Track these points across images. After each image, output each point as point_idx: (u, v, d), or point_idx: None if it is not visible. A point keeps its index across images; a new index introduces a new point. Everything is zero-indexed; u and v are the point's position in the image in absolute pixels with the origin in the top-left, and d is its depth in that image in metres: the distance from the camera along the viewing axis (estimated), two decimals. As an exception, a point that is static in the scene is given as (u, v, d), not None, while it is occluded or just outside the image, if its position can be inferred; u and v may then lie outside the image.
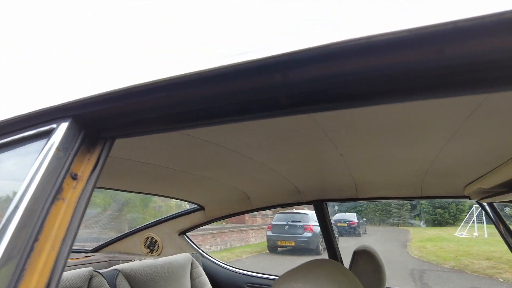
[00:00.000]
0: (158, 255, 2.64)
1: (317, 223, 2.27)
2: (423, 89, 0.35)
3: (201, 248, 2.67)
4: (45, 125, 0.55)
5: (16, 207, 0.47)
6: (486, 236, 14.22)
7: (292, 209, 12.67)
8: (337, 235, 13.31)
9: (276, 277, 0.90)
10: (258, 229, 15.30)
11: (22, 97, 0.63)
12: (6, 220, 0.46)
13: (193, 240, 2.67)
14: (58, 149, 0.50)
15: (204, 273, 2.37)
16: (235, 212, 2.38)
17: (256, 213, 17.52)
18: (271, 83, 0.39)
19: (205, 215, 2.45)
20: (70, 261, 2.23)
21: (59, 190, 0.48)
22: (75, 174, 0.51)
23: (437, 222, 21.45)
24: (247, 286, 2.39)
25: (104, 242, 2.86)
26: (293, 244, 11.51)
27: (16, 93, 0.69)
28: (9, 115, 0.62)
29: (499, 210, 1.91)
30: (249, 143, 1.18)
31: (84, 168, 0.53)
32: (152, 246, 2.71)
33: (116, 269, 1.82)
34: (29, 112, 0.59)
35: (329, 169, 1.62)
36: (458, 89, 0.34)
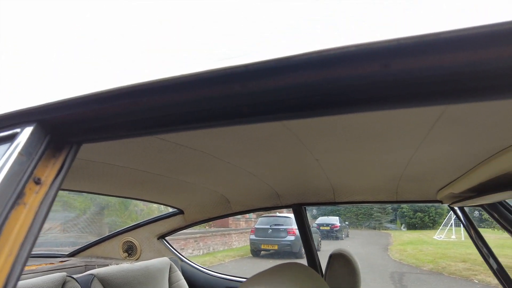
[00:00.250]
0: (137, 259, 2.60)
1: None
2: (370, 101, 0.37)
3: (182, 253, 2.66)
4: (8, 129, 0.55)
5: (-25, 211, 0.46)
6: (463, 239, 14.64)
7: (276, 212, 12.71)
8: (319, 239, 13.50)
9: None
10: (241, 233, 15.27)
11: (-12, 100, 0.62)
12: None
13: (175, 244, 2.65)
14: (20, 153, 0.50)
15: (182, 277, 2.35)
16: (215, 216, 2.38)
17: (239, 216, 17.49)
18: (230, 92, 0.41)
19: (184, 219, 2.43)
20: (44, 266, 2.18)
21: (20, 194, 0.48)
22: (39, 179, 0.51)
23: (417, 225, 21.94)
24: (226, 290, 2.39)
25: (81, 246, 2.80)
26: (276, 247, 11.54)
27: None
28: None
29: (469, 214, 1.98)
30: (225, 147, 1.19)
31: (49, 173, 0.52)
32: (130, 250, 2.68)
33: (92, 274, 1.79)
34: None
35: (306, 173, 1.64)
36: (403, 101, 0.36)
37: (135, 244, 2.63)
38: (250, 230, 13.30)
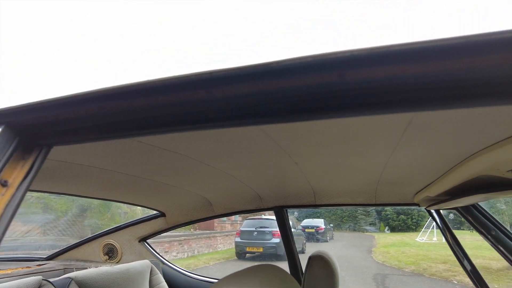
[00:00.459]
0: (117, 262, 2.57)
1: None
2: (329, 109, 0.39)
3: (166, 256, 2.63)
4: (-24, 131, 0.54)
5: None
6: (443, 241, 14.94)
7: (261, 214, 12.72)
8: (304, 241, 13.57)
9: None
10: (227, 235, 15.21)
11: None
12: None
13: (159, 247, 2.64)
14: (-13, 155, 0.50)
15: (163, 280, 2.33)
16: (197, 219, 2.37)
17: (225, 219, 17.42)
18: (196, 98, 0.42)
19: (166, 221, 2.42)
20: (20, 270, 2.12)
21: (-15, 197, 0.47)
22: (5, 181, 0.50)
23: (400, 228, 22.28)
24: (208, 293, 2.38)
25: (60, 249, 2.74)
26: (261, 250, 11.54)
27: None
28: None
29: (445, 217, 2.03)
30: (204, 150, 1.19)
31: (16, 175, 0.52)
32: (111, 253, 2.64)
33: (69, 277, 1.75)
34: None
35: (287, 176, 1.66)
36: (358, 109, 0.38)
37: (116, 246, 2.60)
38: (235, 232, 13.27)
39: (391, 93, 0.39)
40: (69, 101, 0.49)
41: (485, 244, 1.75)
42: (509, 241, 1.62)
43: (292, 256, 2.16)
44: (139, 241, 2.57)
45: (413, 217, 22.31)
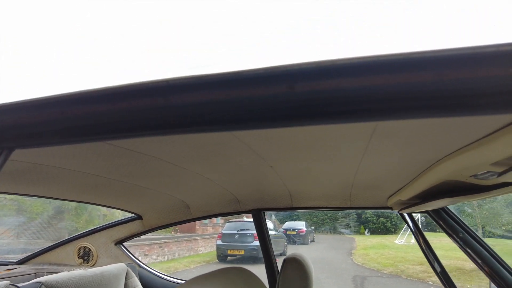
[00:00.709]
0: (93, 266, 2.52)
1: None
2: (280, 118, 0.40)
3: (146, 259, 2.60)
4: None
5: None
6: (421, 243, 15.30)
7: (243, 217, 12.71)
8: (286, 243, 13.63)
9: None
10: (208, 238, 15.11)
11: None
12: None
13: (139, 250, 2.60)
14: None
15: (139, 283, 2.30)
16: (175, 222, 2.36)
17: (207, 221, 17.29)
18: (154, 105, 0.43)
19: (142, 224, 2.39)
20: (-12, 275, 2.05)
21: None
22: (-38, 185, 0.50)
23: (380, 230, 22.71)
24: (185, 296, 2.36)
25: (32, 253, 2.66)
26: (242, 253, 11.52)
27: None
28: None
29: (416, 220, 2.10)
30: (178, 153, 1.19)
31: (-26, 178, 0.52)
32: (86, 256, 2.59)
33: (39, 282, 1.70)
34: None
35: (263, 179, 1.68)
36: (309, 119, 0.40)
37: (91, 249, 2.55)
38: (217, 235, 13.20)
39: (353, 103, 0.41)
40: (28, 105, 0.49)
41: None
42: (475, 243, 1.69)
43: (269, 259, 2.18)
44: (115, 244, 2.53)
45: (392, 220, 22.78)
